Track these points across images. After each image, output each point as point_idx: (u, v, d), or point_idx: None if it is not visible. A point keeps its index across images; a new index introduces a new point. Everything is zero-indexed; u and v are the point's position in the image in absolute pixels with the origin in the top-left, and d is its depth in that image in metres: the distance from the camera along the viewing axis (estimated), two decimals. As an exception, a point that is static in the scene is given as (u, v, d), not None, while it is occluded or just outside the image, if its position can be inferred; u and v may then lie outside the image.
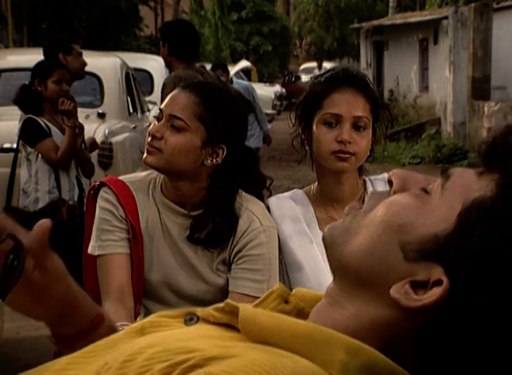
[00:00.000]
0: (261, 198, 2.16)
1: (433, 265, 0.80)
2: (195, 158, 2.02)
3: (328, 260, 0.90)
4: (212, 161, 2.03)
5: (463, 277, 0.78)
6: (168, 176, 2.06)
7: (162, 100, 2.26)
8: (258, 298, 2.20)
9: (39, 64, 4.42)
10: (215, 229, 2.05)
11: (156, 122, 2.04)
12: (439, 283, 0.79)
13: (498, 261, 0.77)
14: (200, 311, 0.93)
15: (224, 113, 2.05)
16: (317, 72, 22.40)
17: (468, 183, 0.83)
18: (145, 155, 2.02)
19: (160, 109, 2.05)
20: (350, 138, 2.00)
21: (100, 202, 2.09)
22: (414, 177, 0.90)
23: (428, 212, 0.83)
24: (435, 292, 0.79)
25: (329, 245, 0.90)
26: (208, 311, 0.92)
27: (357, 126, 2.02)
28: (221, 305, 0.90)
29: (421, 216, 0.83)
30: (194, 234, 2.07)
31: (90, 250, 2.09)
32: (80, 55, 4.83)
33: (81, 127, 4.34)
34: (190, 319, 0.93)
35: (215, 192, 2.07)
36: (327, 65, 24.53)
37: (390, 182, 0.90)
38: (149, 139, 2.02)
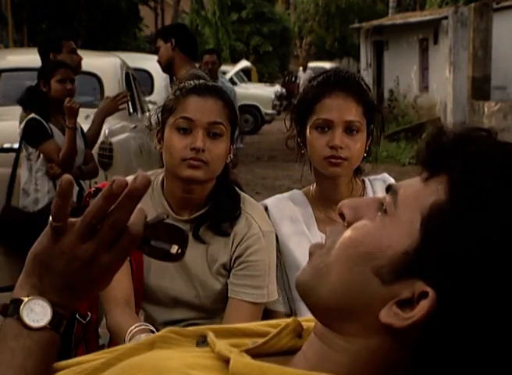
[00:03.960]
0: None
1: (412, 280, 0.80)
2: (225, 160, 2.04)
3: (307, 306, 0.89)
4: (229, 159, 2.06)
5: (445, 283, 0.78)
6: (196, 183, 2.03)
7: None
8: (258, 304, 2.18)
9: (43, 65, 4.42)
10: (219, 209, 2.05)
11: (177, 134, 1.99)
12: (424, 295, 0.79)
13: (473, 259, 0.77)
14: (209, 336, 0.92)
15: (235, 110, 2.09)
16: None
17: (418, 192, 0.83)
18: (189, 170, 1.97)
19: (187, 119, 1.99)
20: (342, 143, 2.00)
21: None
22: (363, 202, 0.90)
23: (389, 232, 0.83)
24: (424, 305, 0.79)
25: (304, 292, 0.89)
26: (212, 341, 0.91)
27: (349, 129, 2.02)
28: (216, 347, 0.89)
29: (385, 238, 0.83)
30: (200, 227, 2.06)
31: None
32: (74, 51, 4.75)
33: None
34: (203, 342, 0.93)
35: (222, 187, 2.08)
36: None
37: (342, 215, 0.89)
38: (191, 153, 1.97)
